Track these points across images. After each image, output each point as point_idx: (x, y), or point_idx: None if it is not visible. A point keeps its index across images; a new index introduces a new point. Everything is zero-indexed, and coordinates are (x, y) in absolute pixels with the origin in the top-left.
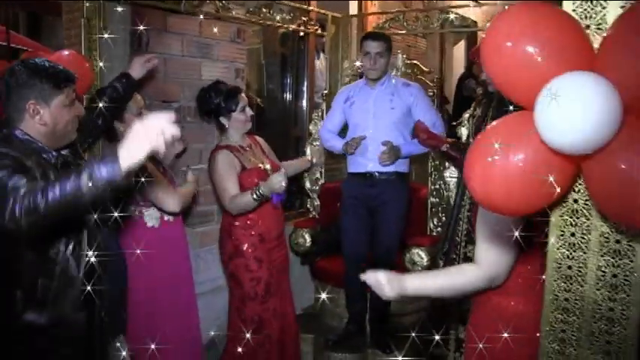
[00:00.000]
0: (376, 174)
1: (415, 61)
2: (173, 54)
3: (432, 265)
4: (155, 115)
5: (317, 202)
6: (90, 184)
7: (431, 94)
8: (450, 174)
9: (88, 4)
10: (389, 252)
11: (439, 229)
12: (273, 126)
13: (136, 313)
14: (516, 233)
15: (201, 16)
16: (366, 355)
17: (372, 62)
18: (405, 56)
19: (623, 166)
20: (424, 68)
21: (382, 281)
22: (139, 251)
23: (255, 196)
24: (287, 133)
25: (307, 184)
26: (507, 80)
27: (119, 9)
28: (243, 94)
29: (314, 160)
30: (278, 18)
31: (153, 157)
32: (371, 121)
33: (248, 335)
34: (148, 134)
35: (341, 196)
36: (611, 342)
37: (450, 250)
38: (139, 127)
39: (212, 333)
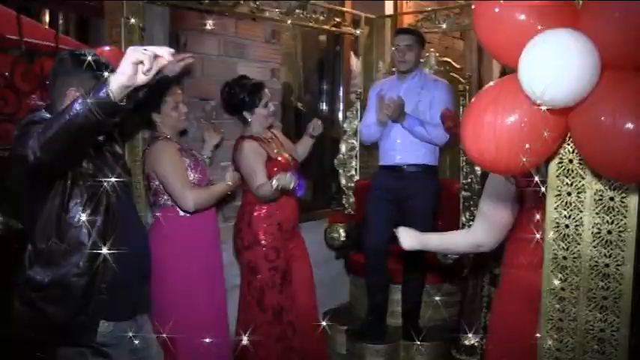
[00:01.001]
0: (404, 166)
1: (447, 59)
2: (210, 54)
3: (464, 258)
4: None
5: (352, 199)
6: (85, 107)
7: (462, 89)
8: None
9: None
10: None
11: (471, 222)
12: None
13: (165, 299)
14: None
15: (209, 19)
16: (397, 346)
17: (401, 55)
18: (437, 54)
19: (602, 118)
20: (456, 65)
21: (401, 235)
22: (169, 239)
23: (274, 188)
24: (323, 134)
25: (343, 181)
26: (497, 44)
27: (158, 9)
28: (266, 90)
29: (312, 129)
30: (312, 19)
31: (185, 150)
32: None
33: (262, 324)
34: (130, 54)
35: None
36: (607, 297)
37: None
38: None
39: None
